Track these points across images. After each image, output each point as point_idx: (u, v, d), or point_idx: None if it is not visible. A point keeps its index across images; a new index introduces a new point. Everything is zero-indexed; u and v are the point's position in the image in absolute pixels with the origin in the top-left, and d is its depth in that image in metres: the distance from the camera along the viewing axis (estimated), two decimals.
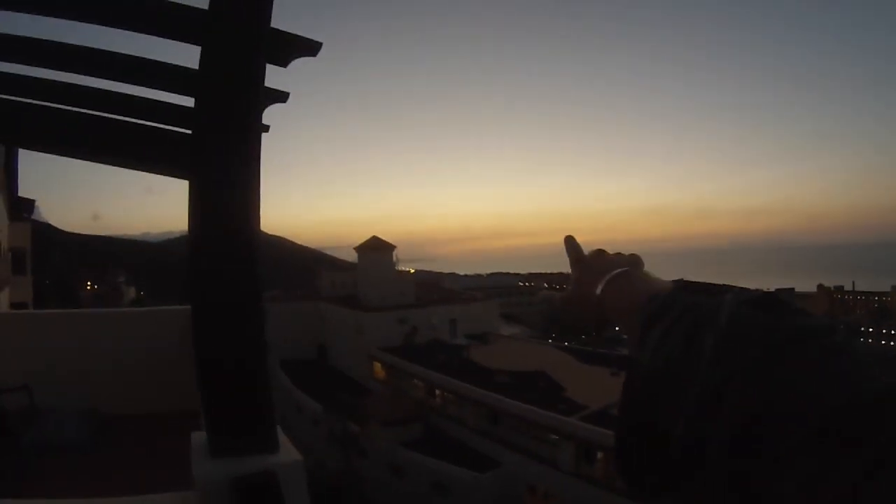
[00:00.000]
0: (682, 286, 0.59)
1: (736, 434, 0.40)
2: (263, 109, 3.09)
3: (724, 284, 0.55)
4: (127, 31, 2.41)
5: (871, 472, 0.32)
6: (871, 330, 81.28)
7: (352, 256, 53.26)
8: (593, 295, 0.75)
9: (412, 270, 68.24)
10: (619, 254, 0.81)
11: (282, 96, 3.25)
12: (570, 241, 0.88)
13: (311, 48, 2.68)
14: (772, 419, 0.38)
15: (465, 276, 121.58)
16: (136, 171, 3.10)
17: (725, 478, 0.40)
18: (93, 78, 2.88)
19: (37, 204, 24.98)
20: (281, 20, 2.42)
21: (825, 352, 0.41)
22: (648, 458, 0.50)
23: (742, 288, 0.53)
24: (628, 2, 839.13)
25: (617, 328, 0.73)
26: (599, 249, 0.84)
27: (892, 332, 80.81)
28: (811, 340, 0.42)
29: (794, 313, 0.45)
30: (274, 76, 2.69)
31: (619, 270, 0.75)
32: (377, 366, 40.03)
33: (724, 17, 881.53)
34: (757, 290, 0.51)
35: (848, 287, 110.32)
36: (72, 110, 2.84)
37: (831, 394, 0.37)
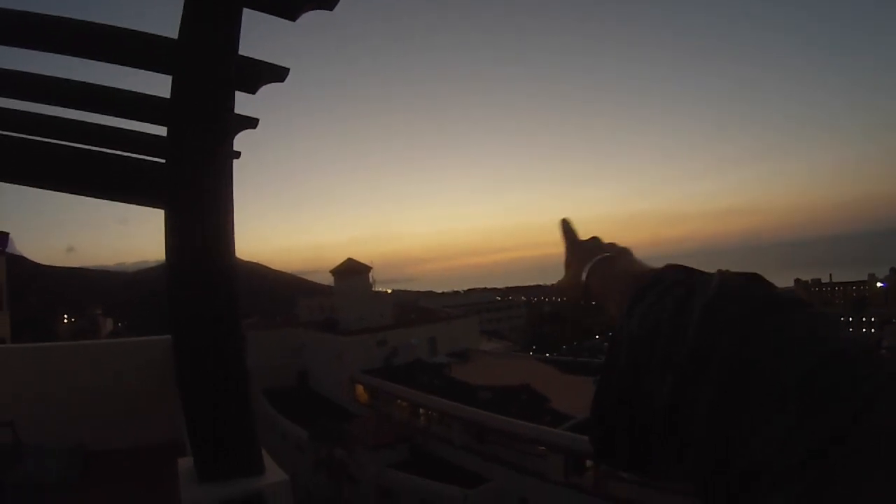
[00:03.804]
0: (672, 266, 0.61)
1: (722, 389, 0.41)
2: (234, 136, 3.12)
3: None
4: (99, 62, 2.42)
5: (849, 423, 0.35)
6: (850, 319, 79.99)
7: (328, 280, 52.77)
8: (580, 280, 0.80)
9: (389, 291, 68.05)
10: (612, 243, 0.83)
11: (252, 122, 3.28)
12: (565, 224, 0.90)
13: (279, 74, 2.71)
14: (756, 374, 0.40)
15: (443, 293, 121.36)
16: (110, 202, 3.10)
17: (708, 437, 0.41)
18: (65, 109, 2.87)
19: (11, 237, 24.53)
20: (248, 47, 2.46)
21: (806, 315, 0.44)
22: (628, 428, 0.52)
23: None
24: (593, 11, 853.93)
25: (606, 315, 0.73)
26: (594, 236, 0.86)
27: (872, 319, 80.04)
28: (794, 305, 0.45)
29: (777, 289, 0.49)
30: (244, 102, 2.71)
31: (602, 256, 0.79)
32: (360, 389, 39.68)
33: (688, 24, 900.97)
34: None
35: (825, 280, 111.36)
36: (45, 141, 2.84)
37: (813, 350, 0.40)
